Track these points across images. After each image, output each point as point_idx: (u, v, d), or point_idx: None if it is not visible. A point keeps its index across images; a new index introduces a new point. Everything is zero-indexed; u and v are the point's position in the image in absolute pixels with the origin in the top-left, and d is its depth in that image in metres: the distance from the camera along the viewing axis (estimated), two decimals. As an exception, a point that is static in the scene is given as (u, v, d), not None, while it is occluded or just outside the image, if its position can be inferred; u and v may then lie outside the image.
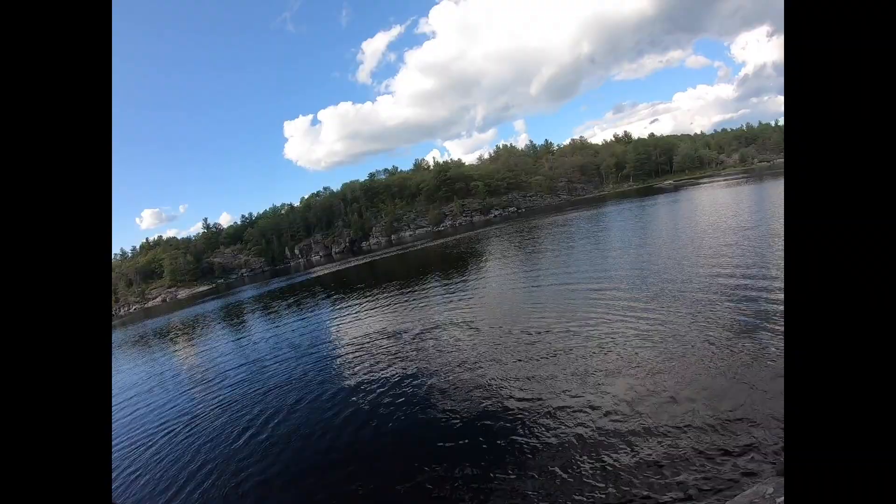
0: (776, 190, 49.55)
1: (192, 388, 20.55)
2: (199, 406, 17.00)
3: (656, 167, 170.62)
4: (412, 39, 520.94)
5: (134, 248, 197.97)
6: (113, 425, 17.71)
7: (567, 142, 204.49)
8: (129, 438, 15.31)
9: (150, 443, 14.56)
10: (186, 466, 11.94)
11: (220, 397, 17.50)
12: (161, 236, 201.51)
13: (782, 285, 14.38)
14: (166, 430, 15.33)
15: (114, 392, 23.86)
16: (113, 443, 15.16)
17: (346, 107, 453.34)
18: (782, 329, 11.38)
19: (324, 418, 12.87)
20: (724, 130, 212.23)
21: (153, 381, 24.03)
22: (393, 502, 8.50)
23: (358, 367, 16.70)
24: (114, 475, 12.26)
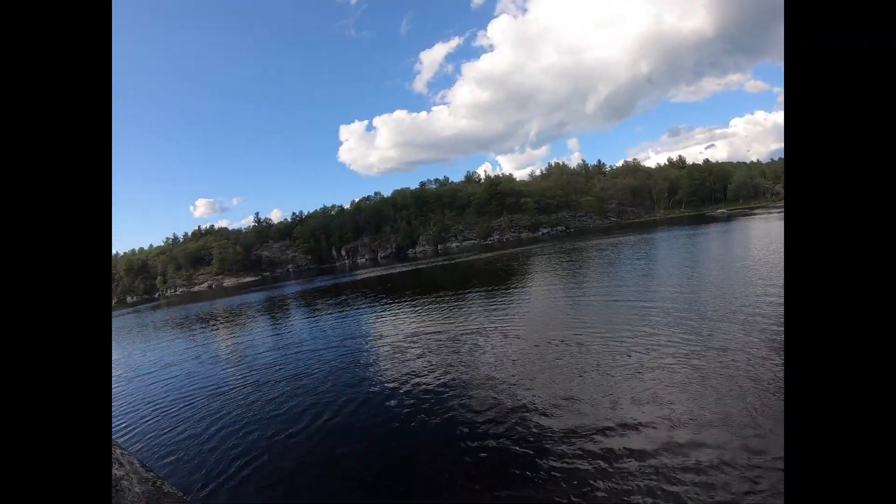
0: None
1: (224, 369, 21.20)
2: (227, 385, 17.57)
3: (710, 194, 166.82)
4: (470, 52, 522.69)
5: (186, 234, 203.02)
6: (138, 395, 18.63)
7: (620, 163, 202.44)
8: (154, 406, 15.88)
9: (174, 411, 15.45)
10: (200, 434, 12.50)
11: (250, 380, 18.08)
12: (213, 225, 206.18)
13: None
14: (189, 402, 16.22)
15: (145, 367, 24.90)
16: (136, 408, 15.87)
17: (401, 114, 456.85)
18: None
19: (348, 410, 13.16)
20: (780, 160, 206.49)
21: (189, 359, 24.60)
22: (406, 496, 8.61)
23: (391, 368, 16.88)
24: (134, 437, 12.75)
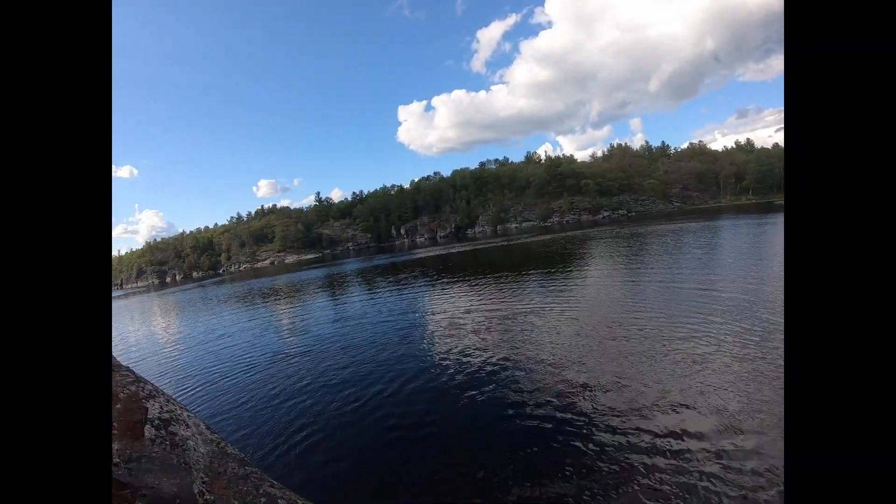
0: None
1: (283, 340, 21.82)
2: (286, 355, 17.84)
3: (779, 181, 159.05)
4: (527, 29, 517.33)
5: (249, 213, 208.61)
6: (203, 363, 19.17)
7: (685, 145, 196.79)
8: (217, 373, 16.37)
9: (236, 378, 16.15)
10: (261, 401, 12.67)
11: (308, 350, 18.67)
12: (275, 205, 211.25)
13: None
14: (250, 370, 16.80)
15: (210, 337, 25.67)
16: (202, 374, 16.41)
17: (459, 94, 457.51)
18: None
19: (401, 383, 13.47)
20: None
21: (251, 329, 25.20)
22: (441, 482, 8.65)
23: (445, 344, 17.10)
24: (199, 401, 13.25)
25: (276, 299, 42.36)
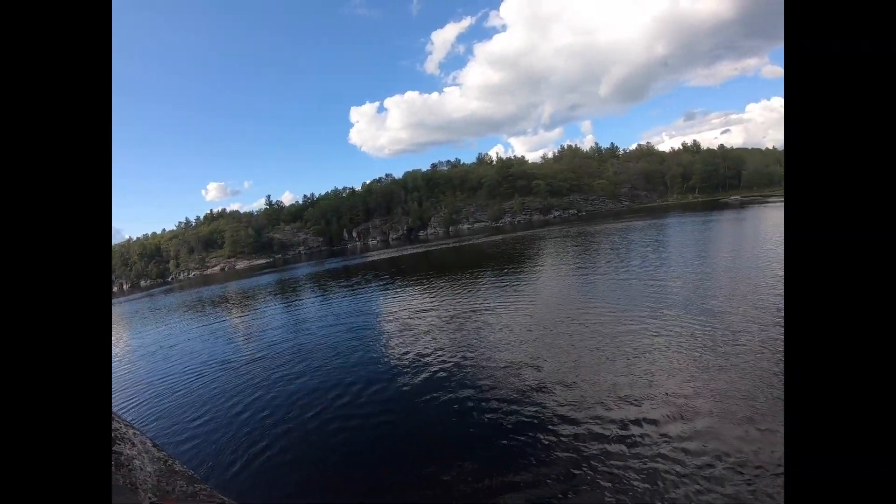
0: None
1: (235, 349, 21.33)
2: (237, 366, 17.57)
3: (724, 181, 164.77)
4: (482, 32, 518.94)
5: (198, 218, 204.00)
6: (151, 376, 18.63)
7: (633, 147, 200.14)
8: (166, 386, 16.04)
9: (186, 391, 15.74)
10: (210, 414, 12.55)
11: (260, 360, 18.29)
12: (224, 209, 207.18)
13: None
14: (200, 382, 16.57)
15: (157, 349, 25.11)
16: (149, 389, 15.90)
17: (412, 95, 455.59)
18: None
19: (355, 389, 13.40)
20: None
21: (201, 340, 24.73)
22: (399, 483, 8.68)
23: (400, 346, 17.11)
24: (146, 416, 12.92)
25: (226, 307, 41.64)
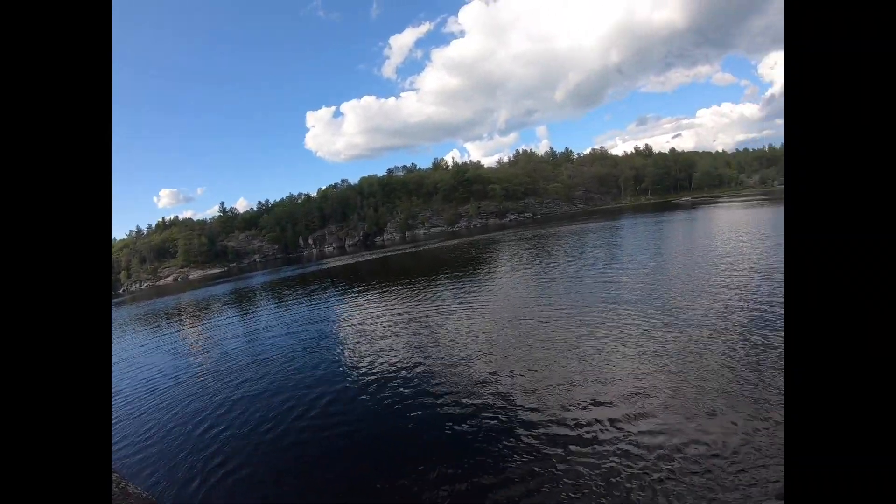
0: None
1: (190, 364, 20.70)
2: (192, 381, 17.28)
3: (675, 183, 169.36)
4: (440, 38, 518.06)
5: (150, 226, 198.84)
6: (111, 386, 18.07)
7: (587, 151, 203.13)
8: (117, 404, 15.59)
9: (138, 408, 15.27)
10: (164, 432, 12.35)
11: (216, 373, 17.83)
12: (177, 216, 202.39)
13: (780, 307, 14.41)
14: (154, 398, 16.00)
15: (113, 360, 24.16)
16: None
17: (369, 100, 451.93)
18: (772, 345, 11.46)
19: (313, 398, 13.26)
20: (746, 150, 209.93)
21: (155, 354, 24.16)
22: (371, 491, 8.63)
23: (358, 354, 16.99)
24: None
25: (179, 319, 40.73)
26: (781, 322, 13.42)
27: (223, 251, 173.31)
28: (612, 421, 9.38)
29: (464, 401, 11.24)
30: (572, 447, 8.75)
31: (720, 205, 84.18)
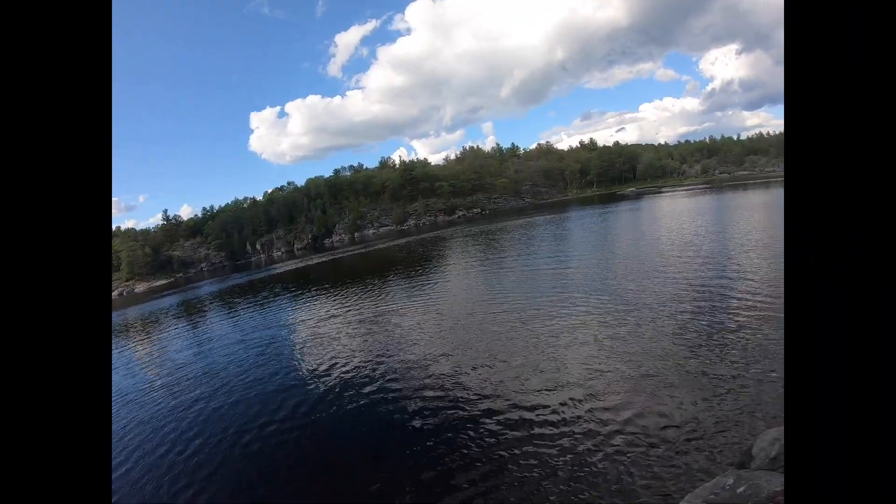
0: (734, 201, 50.85)
1: (140, 380, 20.09)
2: (146, 397, 16.76)
3: (620, 174, 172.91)
4: (386, 35, 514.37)
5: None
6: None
7: (533, 146, 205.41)
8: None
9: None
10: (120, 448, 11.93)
11: (169, 387, 17.49)
12: (119, 227, 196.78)
13: (725, 287, 14.85)
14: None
15: None
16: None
17: (314, 100, 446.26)
18: (710, 325, 11.82)
19: (273, 407, 13.07)
20: (687, 142, 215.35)
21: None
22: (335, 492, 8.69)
23: (312, 358, 16.99)
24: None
25: (126, 336, 39.57)
26: (729, 303, 13.87)
27: (168, 261, 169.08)
28: (573, 401, 9.62)
29: (426, 394, 11.39)
30: (536, 430, 8.94)
31: (664, 194, 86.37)
